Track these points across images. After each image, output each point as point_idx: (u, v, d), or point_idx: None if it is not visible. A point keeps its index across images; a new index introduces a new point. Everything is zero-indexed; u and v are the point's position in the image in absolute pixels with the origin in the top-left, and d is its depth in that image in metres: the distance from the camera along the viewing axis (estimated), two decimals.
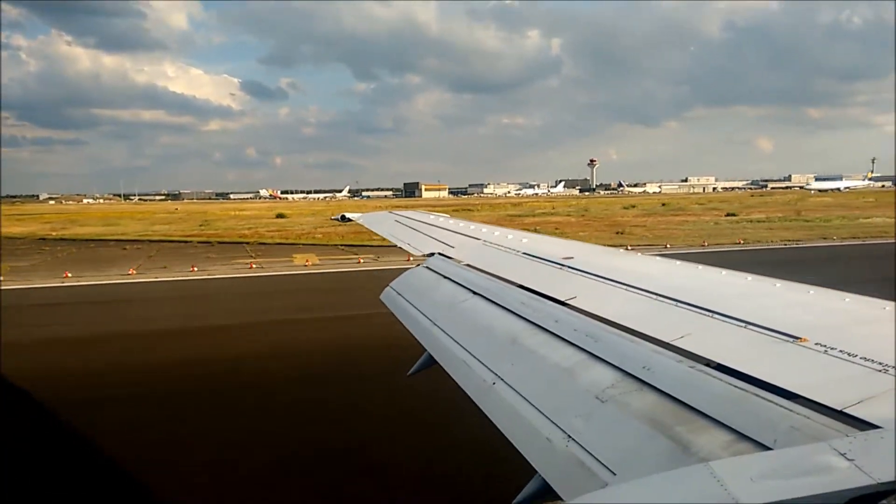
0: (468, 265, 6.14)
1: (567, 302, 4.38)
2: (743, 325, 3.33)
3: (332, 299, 27.69)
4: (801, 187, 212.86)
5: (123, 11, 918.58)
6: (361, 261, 37.54)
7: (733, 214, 74.43)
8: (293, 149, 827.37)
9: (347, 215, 12.05)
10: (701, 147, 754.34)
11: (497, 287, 5.11)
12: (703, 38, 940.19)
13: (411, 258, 32.69)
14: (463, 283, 5.47)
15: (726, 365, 2.90)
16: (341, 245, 47.83)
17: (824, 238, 47.55)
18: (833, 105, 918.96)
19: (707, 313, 3.60)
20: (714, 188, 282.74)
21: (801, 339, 3.01)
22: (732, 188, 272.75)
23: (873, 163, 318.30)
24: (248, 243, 51.88)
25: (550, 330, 3.88)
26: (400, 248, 8.29)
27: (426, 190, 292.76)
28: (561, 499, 2.60)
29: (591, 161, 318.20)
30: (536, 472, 2.87)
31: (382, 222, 10.37)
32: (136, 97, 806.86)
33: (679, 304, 3.84)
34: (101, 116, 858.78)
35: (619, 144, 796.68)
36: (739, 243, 44.86)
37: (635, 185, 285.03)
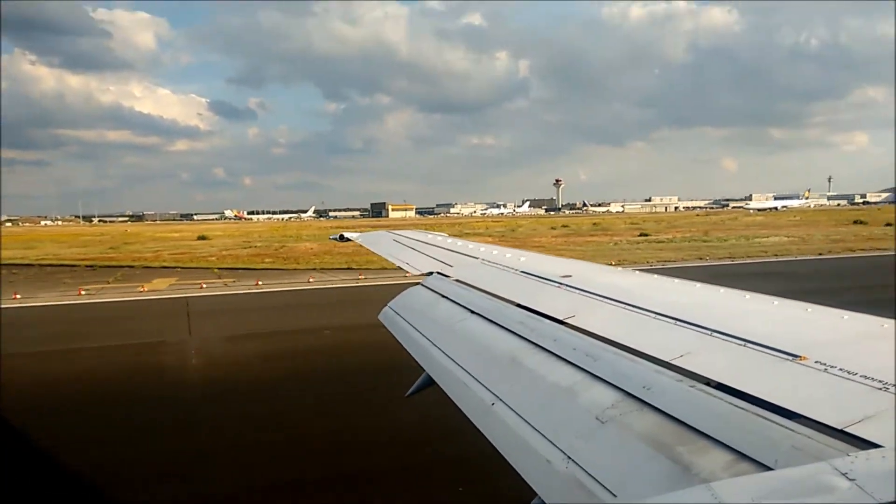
0: (466, 284, 6.09)
1: (565, 321, 4.33)
2: (742, 343, 3.29)
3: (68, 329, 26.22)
4: (741, 207, 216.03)
5: (89, 31, 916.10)
6: (204, 286, 37.22)
7: (646, 234, 75.28)
8: (262, 169, 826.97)
9: (346, 235, 12.05)
10: (667, 167, 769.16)
11: (495, 306, 5.07)
12: (668, 60, 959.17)
13: (260, 282, 32.70)
14: (461, 303, 5.42)
15: (726, 384, 2.87)
16: (218, 269, 47.45)
17: (700, 258, 48.12)
18: (793, 126, 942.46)
19: (706, 331, 3.56)
20: (676, 207, 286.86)
21: (800, 357, 2.98)
22: (694, 207, 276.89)
23: (829, 181, 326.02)
24: (132, 267, 51.25)
25: (549, 349, 3.83)
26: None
27: (393, 210, 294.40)
28: None
29: (557, 181, 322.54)
30: (536, 494, 2.83)
31: (380, 241, 10.33)
32: (101, 117, 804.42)
33: (678, 323, 3.80)
34: (66, 137, 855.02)
35: (587, 164, 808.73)
36: (612, 264, 45.20)
37: (599, 205, 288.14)
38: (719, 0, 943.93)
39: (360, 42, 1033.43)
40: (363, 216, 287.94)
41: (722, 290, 4.68)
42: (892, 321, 3.39)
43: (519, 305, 4.95)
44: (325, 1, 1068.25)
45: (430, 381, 4.57)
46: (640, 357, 3.41)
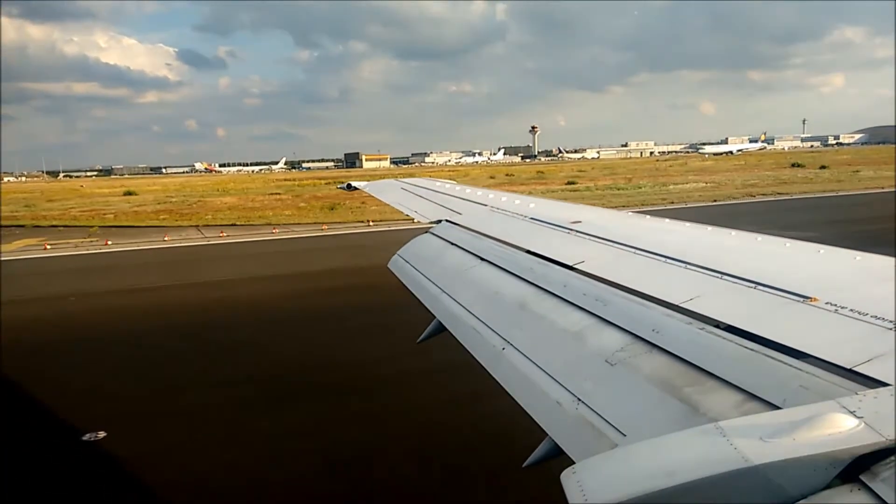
0: (475, 231, 6.08)
1: (575, 266, 4.34)
2: (752, 285, 3.29)
3: None
4: (695, 150, 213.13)
5: None
6: (48, 247, 36.16)
7: (573, 183, 74.31)
8: (236, 120, 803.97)
9: (353, 184, 12.06)
10: (646, 112, 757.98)
11: (505, 253, 5.08)
12: (646, 2, 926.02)
13: (110, 242, 30.79)
14: (470, 250, 5.44)
15: (736, 326, 2.88)
16: (99, 227, 46.52)
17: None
18: (772, 68, 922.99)
19: (716, 274, 3.55)
20: (651, 153, 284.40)
21: (811, 298, 2.98)
22: (669, 152, 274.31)
23: (804, 124, 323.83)
24: (21, 227, 50.16)
25: (559, 295, 3.86)
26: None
27: (367, 160, 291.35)
28: (572, 461, 2.57)
29: (533, 128, 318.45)
30: (547, 434, 2.88)
31: (388, 190, 10.26)
32: (66, 69, 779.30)
33: (688, 266, 3.80)
34: (31, 90, 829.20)
35: (566, 110, 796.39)
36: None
37: (575, 151, 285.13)
38: None
39: None
40: (337, 167, 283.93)
41: (733, 232, 4.65)
42: None
43: (529, 252, 4.93)
44: None
45: (441, 328, 4.58)
46: (651, 301, 3.40)
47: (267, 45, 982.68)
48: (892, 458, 1.68)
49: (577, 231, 5.24)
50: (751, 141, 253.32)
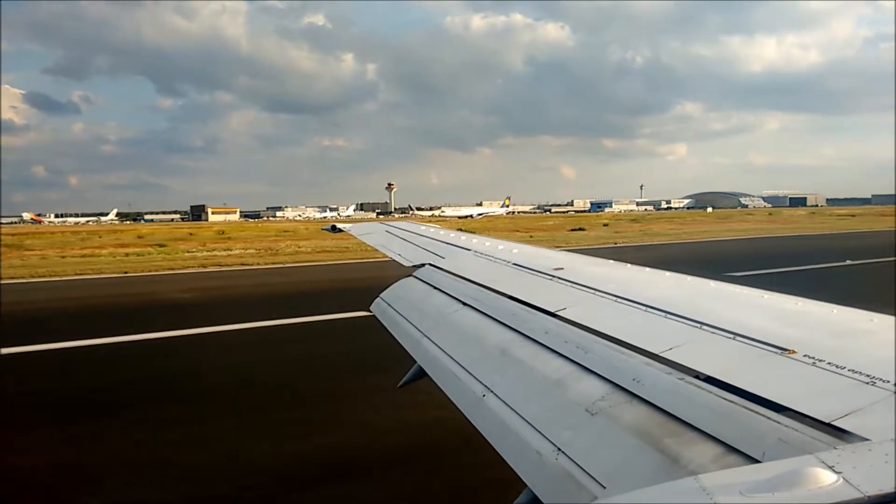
0: (459, 275, 6.03)
1: (557, 313, 4.32)
2: (731, 336, 3.29)
3: None
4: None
5: None
6: None
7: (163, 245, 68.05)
8: (91, 168, 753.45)
9: (338, 226, 11.82)
10: (513, 173, 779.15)
11: (487, 298, 5.07)
12: (509, 71, 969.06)
13: None
14: (453, 294, 5.43)
15: (715, 377, 2.88)
16: None
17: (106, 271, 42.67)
18: (624, 137, 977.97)
19: (696, 325, 3.54)
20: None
21: (789, 350, 2.98)
22: (516, 212, 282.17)
23: (641, 189, 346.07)
24: None
25: (541, 341, 3.87)
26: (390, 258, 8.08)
27: (213, 213, 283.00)
28: None
29: (389, 185, 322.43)
30: (526, 485, 2.86)
31: (372, 233, 10.24)
32: None
33: (668, 316, 3.78)
34: None
35: (438, 169, 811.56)
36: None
37: (430, 209, 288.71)
38: (552, 18, 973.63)
39: (196, 35, 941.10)
40: (183, 219, 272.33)
41: (712, 283, 4.69)
42: (880, 316, 3.39)
43: (511, 297, 4.90)
44: None
45: (422, 373, 4.58)
46: (631, 349, 3.40)
47: (126, 91, 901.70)
48: None
49: (559, 277, 5.19)
50: (591, 203, 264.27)
